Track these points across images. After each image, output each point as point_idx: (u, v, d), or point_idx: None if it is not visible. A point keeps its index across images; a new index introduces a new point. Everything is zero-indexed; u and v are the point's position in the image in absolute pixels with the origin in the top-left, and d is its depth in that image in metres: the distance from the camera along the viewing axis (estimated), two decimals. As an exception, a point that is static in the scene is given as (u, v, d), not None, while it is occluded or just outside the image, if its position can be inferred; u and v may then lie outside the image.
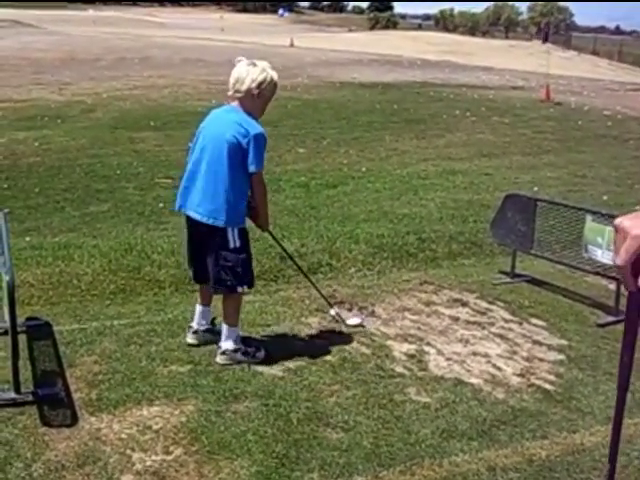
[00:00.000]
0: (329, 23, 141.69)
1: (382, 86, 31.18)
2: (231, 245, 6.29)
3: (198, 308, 6.85)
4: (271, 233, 7.19)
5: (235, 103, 6.35)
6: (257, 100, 6.33)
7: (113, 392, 5.83)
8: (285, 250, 7.77)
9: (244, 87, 6.25)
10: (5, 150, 17.35)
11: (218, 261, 6.34)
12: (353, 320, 7.43)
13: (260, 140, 6.18)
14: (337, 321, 7.37)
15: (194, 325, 6.82)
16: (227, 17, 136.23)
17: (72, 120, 21.40)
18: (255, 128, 6.19)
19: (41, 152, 17.20)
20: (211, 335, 6.75)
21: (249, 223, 6.52)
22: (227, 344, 6.42)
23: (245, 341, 6.59)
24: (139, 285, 8.30)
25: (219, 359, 6.41)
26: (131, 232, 10.21)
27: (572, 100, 29.12)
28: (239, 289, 6.46)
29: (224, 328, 6.48)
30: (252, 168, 6.17)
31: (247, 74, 6.27)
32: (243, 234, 6.39)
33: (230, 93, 6.37)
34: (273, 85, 6.41)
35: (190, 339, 6.78)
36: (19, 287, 7.53)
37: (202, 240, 6.42)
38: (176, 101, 24.56)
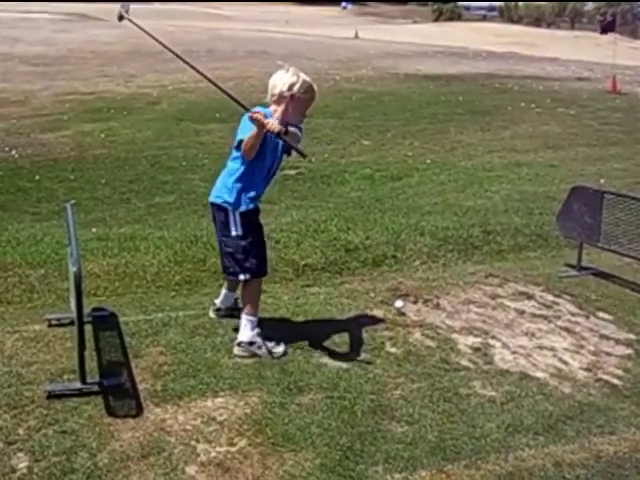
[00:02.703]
0: (393, 15, 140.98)
1: (446, 78, 31.01)
2: (232, 231, 6.38)
3: (222, 291, 7.15)
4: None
5: (272, 108, 6.43)
6: (292, 103, 6.37)
7: (178, 383, 5.87)
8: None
9: (277, 90, 6.38)
10: (72, 142, 17.58)
11: (221, 247, 6.57)
12: (398, 303, 7.43)
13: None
14: (402, 314, 7.34)
15: (217, 303, 7.17)
16: (291, 9, 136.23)
17: (138, 112, 21.62)
18: None
19: (107, 144, 17.40)
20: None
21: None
22: (243, 336, 6.45)
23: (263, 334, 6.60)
24: (204, 276, 8.33)
25: (235, 350, 6.43)
26: (197, 223, 10.25)
27: (639, 91, 28.72)
28: (241, 277, 6.47)
29: (242, 317, 6.51)
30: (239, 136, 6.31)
31: (280, 79, 6.42)
32: (246, 220, 6.40)
33: (267, 99, 6.51)
34: (307, 87, 6.44)
35: (211, 314, 7.18)
36: (85, 278, 7.62)
37: (215, 225, 6.67)
38: (241, 93, 24.40)
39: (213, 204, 6.50)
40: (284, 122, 6.21)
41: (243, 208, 6.36)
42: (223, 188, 6.42)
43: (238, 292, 6.89)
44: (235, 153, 6.40)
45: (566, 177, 13.89)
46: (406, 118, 21.53)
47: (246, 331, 6.44)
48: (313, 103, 6.59)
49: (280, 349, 6.48)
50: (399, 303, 7.47)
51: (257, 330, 6.49)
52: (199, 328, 6.89)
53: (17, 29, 50.59)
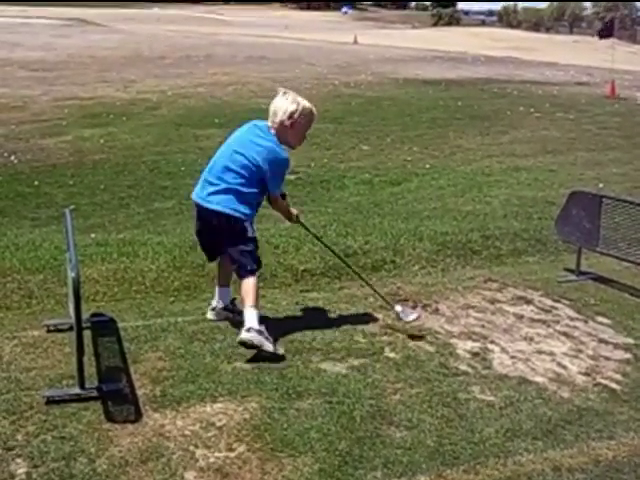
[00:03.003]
0: (392, 20, 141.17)
1: (445, 83, 31.02)
2: (249, 233, 6.80)
3: (217, 289, 7.35)
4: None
5: (272, 131, 6.82)
6: (291, 130, 6.82)
7: (177, 388, 5.86)
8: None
9: (277, 119, 6.79)
10: (71, 147, 17.60)
11: (234, 250, 6.82)
12: (412, 316, 7.41)
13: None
14: (400, 319, 7.34)
15: (214, 303, 7.32)
16: (291, 15, 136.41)
17: (137, 117, 21.63)
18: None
19: (106, 149, 17.42)
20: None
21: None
22: (251, 322, 6.47)
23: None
24: (203, 282, 8.34)
25: (244, 335, 6.39)
26: (195, 229, 10.25)
27: (638, 95, 28.75)
28: (254, 267, 6.79)
29: (247, 309, 6.61)
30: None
31: (280, 106, 6.80)
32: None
33: (269, 120, 6.87)
34: (307, 113, 6.89)
35: (209, 315, 7.27)
36: (84, 283, 7.61)
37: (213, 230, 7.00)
38: (240, 98, 24.66)
39: (221, 213, 6.64)
40: (286, 143, 6.84)
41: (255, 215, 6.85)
42: (239, 201, 6.65)
43: (234, 295, 6.97)
44: (257, 188, 6.75)
45: (565, 182, 13.90)
46: (405, 123, 21.55)
47: (253, 319, 6.46)
48: (313, 124, 7.06)
49: (281, 350, 6.52)
50: (399, 307, 7.47)
51: (263, 326, 6.52)
52: (198, 333, 6.89)
53: (16, 34, 50.69)
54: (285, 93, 6.86)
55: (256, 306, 6.55)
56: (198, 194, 6.81)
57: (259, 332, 6.40)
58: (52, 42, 46.34)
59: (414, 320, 7.34)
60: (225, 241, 6.77)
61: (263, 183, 6.70)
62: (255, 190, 6.69)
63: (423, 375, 6.23)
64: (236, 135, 6.96)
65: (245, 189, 6.63)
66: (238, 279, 6.82)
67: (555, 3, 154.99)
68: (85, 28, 64.15)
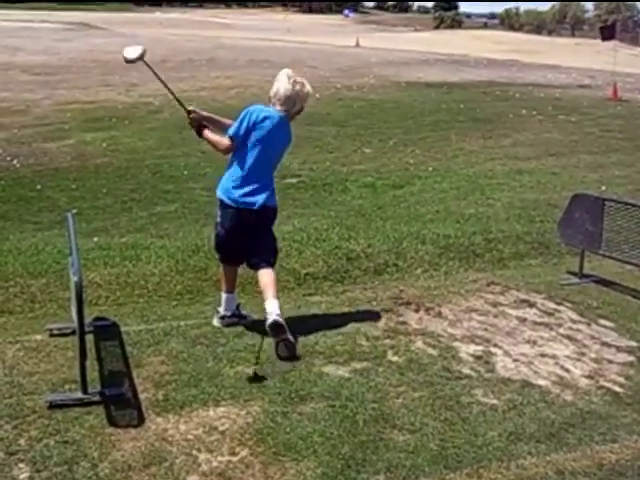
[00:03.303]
0: (394, 23, 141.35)
1: (448, 86, 31.01)
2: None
3: (223, 296, 7.32)
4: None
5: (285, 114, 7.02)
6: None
7: (179, 393, 5.87)
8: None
9: (295, 109, 7.01)
10: (73, 151, 17.58)
11: (263, 244, 7.13)
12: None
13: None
14: (404, 322, 7.34)
15: (222, 310, 7.28)
16: (293, 18, 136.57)
17: (140, 121, 21.62)
18: None
19: (109, 153, 17.41)
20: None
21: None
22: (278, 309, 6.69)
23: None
24: (206, 286, 8.34)
25: (277, 317, 6.54)
26: (198, 233, 10.26)
27: (640, 97, 28.76)
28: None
29: (274, 298, 6.78)
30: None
31: (298, 96, 6.95)
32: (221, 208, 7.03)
33: (279, 108, 6.96)
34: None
35: (215, 322, 7.25)
36: (87, 287, 7.63)
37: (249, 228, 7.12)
38: (243, 102, 24.40)
39: (266, 207, 6.95)
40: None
41: (221, 195, 7.08)
42: (271, 191, 7.00)
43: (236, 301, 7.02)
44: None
45: (567, 184, 13.88)
46: (408, 126, 21.52)
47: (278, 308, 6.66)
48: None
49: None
50: None
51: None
52: (200, 337, 6.89)
53: (18, 38, 50.67)
54: (295, 82, 6.92)
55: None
56: (238, 196, 6.90)
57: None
58: (54, 46, 46.33)
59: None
60: (263, 235, 7.04)
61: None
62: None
63: (426, 378, 6.23)
64: (270, 135, 6.91)
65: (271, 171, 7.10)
66: (261, 269, 6.95)
67: (557, 6, 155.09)
68: (87, 32, 64.16)
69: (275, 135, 6.86)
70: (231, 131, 6.91)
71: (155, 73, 7.26)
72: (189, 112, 7.09)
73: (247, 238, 6.93)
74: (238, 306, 7.27)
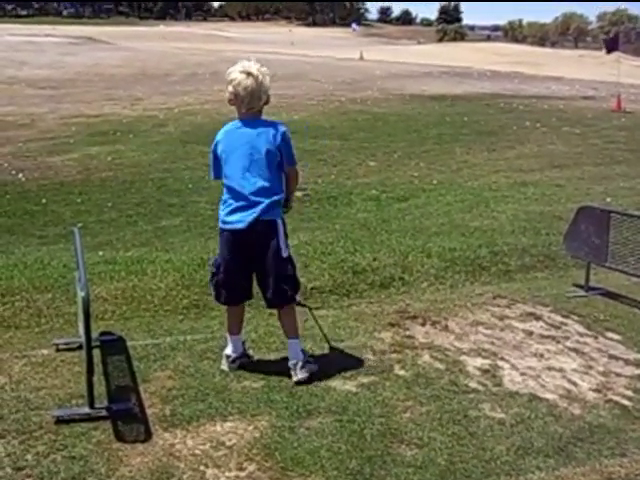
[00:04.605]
0: (398, 36, 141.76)
1: (452, 98, 31.08)
2: (283, 251, 6.46)
3: (229, 337, 6.73)
4: None
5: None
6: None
7: (187, 408, 5.85)
8: None
9: (261, 103, 6.40)
10: (78, 165, 17.63)
11: (273, 274, 6.43)
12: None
13: None
14: (411, 336, 7.32)
15: (230, 353, 6.66)
16: (296, 31, 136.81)
17: (144, 135, 21.68)
18: None
19: (114, 167, 17.45)
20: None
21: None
22: (301, 355, 6.44)
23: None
24: (212, 300, 8.32)
25: (300, 375, 6.31)
26: (203, 246, 10.26)
27: (644, 109, 28.79)
28: (297, 298, 6.77)
29: (294, 341, 6.52)
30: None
31: (256, 89, 6.30)
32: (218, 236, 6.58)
33: (244, 111, 6.45)
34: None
35: (224, 366, 6.63)
36: (93, 302, 7.62)
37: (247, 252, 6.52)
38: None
39: (260, 221, 6.26)
40: None
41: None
42: (267, 205, 6.31)
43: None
44: (277, 172, 6.43)
45: (572, 196, 13.90)
46: (412, 139, 21.57)
47: (300, 351, 6.47)
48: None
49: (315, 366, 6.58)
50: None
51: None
52: (207, 352, 6.88)
53: (23, 52, 50.87)
54: (249, 74, 6.28)
55: (298, 334, 6.61)
56: (225, 215, 6.44)
57: (308, 362, 6.46)
58: (59, 60, 46.54)
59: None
60: (268, 258, 6.37)
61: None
62: None
63: (433, 393, 6.21)
64: (241, 150, 6.46)
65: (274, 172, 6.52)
66: (277, 309, 6.63)
67: (560, 18, 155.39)
68: (92, 46, 64.42)
69: (248, 145, 6.40)
70: (211, 177, 6.66)
71: None
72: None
73: (249, 265, 6.43)
74: (243, 344, 6.82)
